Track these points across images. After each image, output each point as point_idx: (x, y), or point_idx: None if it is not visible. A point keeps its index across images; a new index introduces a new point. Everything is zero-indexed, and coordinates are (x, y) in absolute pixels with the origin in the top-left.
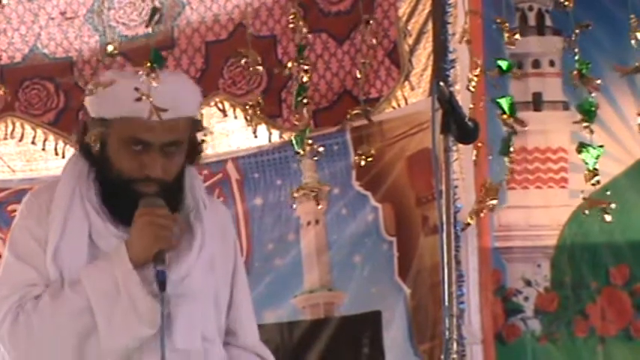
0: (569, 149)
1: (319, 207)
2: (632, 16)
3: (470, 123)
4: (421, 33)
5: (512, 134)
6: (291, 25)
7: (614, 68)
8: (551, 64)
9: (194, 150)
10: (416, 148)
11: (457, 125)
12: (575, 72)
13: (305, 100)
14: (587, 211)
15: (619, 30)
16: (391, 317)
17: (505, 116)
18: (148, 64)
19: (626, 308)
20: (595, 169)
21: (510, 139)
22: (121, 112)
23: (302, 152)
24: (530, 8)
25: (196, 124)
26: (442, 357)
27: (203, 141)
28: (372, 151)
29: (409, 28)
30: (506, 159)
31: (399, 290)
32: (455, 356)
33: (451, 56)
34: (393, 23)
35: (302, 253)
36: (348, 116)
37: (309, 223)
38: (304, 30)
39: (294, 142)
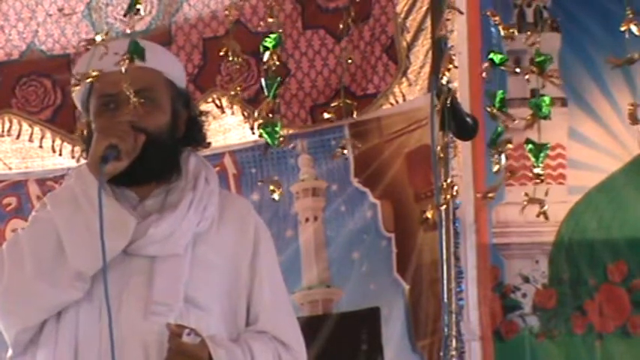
0: (567, 145)
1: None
2: (627, 9)
3: (469, 119)
4: (419, 30)
5: (501, 129)
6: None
7: (607, 60)
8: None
9: (193, 127)
10: (415, 144)
11: (456, 122)
12: (534, 67)
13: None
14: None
15: (615, 25)
16: (390, 314)
17: (492, 109)
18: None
19: (623, 305)
20: (539, 165)
21: (500, 133)
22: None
23: (275, 145)
24: (529, 5)
25: (179, 91)
26: (441, 353)
27: (202, 119)
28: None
29: (407, 24)
30: (503, 157)
31: (398, 286)
32: (454, 353)
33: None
34: (391, 19)
35: (300, 250)
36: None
37: (307, 220)
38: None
39: (264, 134)
